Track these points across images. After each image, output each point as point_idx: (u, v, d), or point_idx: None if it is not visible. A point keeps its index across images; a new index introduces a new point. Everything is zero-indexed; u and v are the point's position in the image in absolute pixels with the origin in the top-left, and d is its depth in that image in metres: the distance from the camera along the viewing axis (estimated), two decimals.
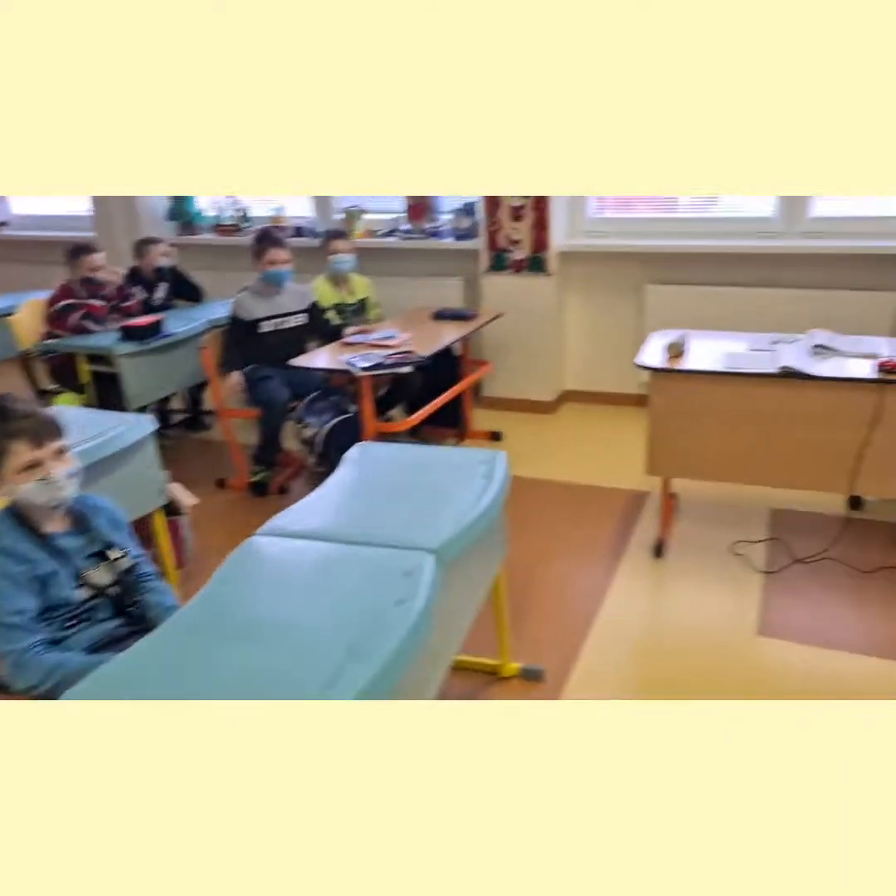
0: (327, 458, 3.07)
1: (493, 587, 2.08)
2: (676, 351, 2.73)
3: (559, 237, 4.06)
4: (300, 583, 1.48)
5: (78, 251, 3.61)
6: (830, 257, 3.67)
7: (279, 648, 1.28)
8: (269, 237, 3.43)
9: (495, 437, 3.95)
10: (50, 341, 3.56)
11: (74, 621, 1.58)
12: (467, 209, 4.23)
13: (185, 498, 2.45)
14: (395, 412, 3.69)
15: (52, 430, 1.57)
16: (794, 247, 3.76)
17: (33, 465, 1.53)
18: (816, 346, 2.72)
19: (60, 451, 1.58)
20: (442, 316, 3.73)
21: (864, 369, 2.51)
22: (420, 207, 4.42)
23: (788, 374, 2.51)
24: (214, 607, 1.41)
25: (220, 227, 4.96)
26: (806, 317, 3.32)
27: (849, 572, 2.67)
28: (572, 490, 3.37)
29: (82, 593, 1.60)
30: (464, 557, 1.64)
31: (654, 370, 2.66)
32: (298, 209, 4.94)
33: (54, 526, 1.62)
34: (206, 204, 5.14)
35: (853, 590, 2.60)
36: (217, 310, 3.89)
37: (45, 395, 3.88)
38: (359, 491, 1.91)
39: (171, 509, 2.43)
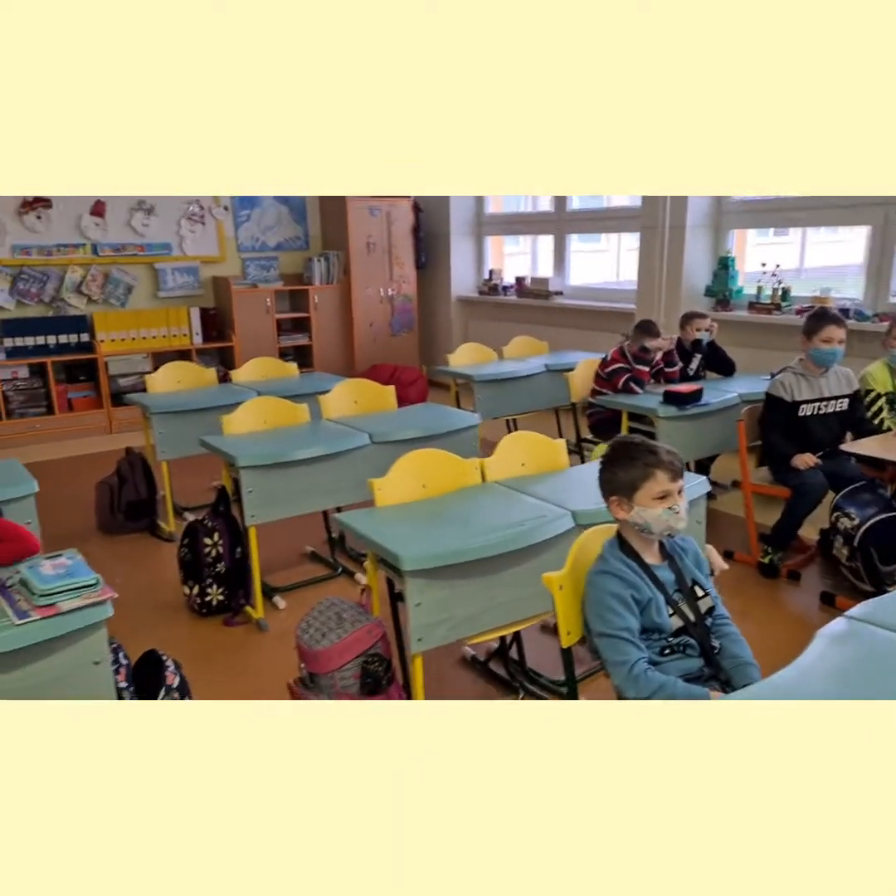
0: (863, 552, 2.91)
1: None
2: None
3: None
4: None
5: (646, 326, 4.05)
6: None
7: None
8: (827, 315, 3.38)
9: None
10: (600, 398, 4.03)
11: (669, 651, 1.74)
12: None
13: (719, 561, 2.56)
14: None
15: (681, 471, 1.78)
16: None
17: (665, 496, 1.74)
18: None
19: (681, 490, 1.78)
20: None
21: None
22: None
23: None
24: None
25: (755, 306, 5.05)
26: None
27: None
28: None
29: (675, 621, 1.75)
30: None
31: None
32: (847, 291, 4.80)
33: (651, 558, 1.81)
34: (746, 281, 5.28)
35: None
36: (748, 385, 3.97)
37: (581, 444, 4.39)
38: None
39: None
